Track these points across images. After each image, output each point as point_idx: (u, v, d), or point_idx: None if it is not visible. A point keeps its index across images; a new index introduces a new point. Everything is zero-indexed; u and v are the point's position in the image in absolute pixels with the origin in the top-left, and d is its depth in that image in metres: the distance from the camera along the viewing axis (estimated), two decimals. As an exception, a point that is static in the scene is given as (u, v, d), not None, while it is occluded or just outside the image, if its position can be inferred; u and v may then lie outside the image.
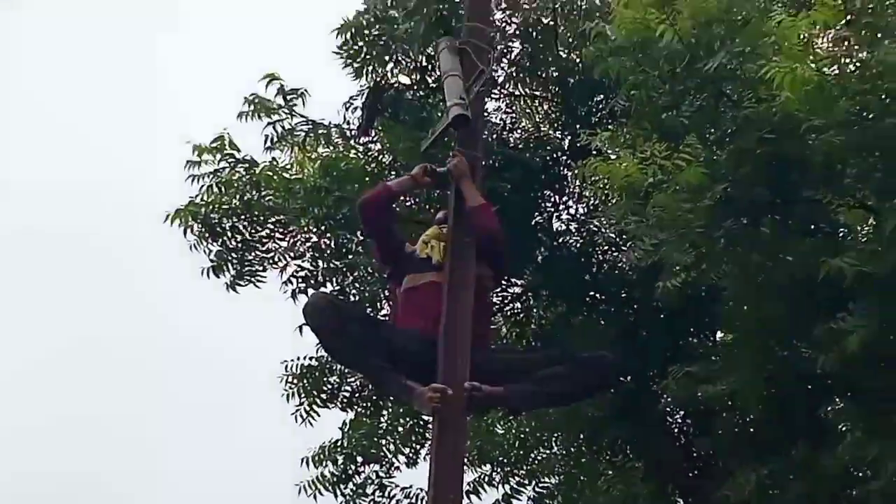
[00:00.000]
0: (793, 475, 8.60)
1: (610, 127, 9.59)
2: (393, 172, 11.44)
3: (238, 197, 11.18)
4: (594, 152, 8.71)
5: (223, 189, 11.18)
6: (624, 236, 9.79)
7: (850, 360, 7.20)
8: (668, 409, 10.62)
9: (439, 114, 10.76)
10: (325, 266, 11.58)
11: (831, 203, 8.01)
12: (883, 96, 7.15)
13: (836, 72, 7.34)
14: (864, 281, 6.90)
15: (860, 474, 8.36)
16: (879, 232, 7.19)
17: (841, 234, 8.63)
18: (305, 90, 11.33)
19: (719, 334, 11.10)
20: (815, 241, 8.28)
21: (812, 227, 8.47)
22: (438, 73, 11.09)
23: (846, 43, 7.28)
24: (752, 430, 9.63)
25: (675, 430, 11.52)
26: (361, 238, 11.46)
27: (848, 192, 7.89)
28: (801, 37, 7.30)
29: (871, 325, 6.97)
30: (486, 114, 9.60)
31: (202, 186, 11.16)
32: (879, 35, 7.15)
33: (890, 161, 7.37)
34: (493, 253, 6.20)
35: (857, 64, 7.37)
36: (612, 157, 8.13)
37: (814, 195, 7.96)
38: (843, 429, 8.43)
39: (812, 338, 7.83)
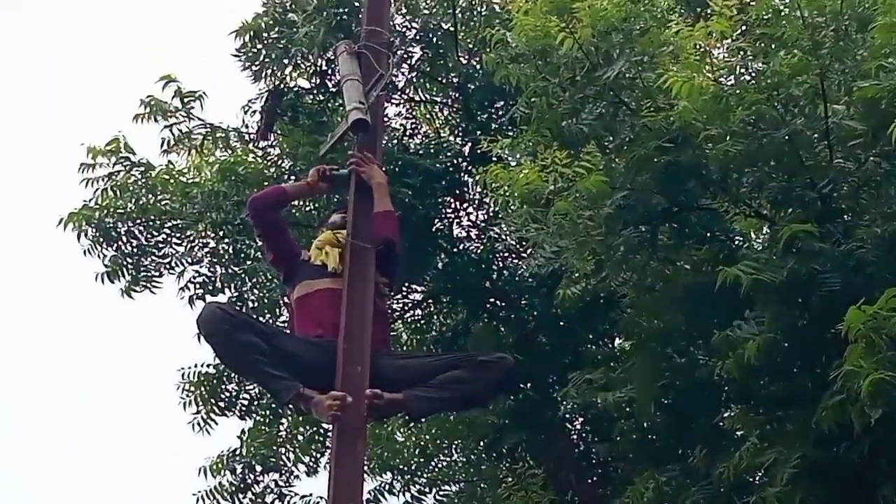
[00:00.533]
0: (691, 482, 8.64)
1: (510, 133, 9.59)
2: (292, 177, 11.33)
3: (133, 201, 11.00)
4: (495, 159, 8.68)
5: (118, 193, 10.98)
6: (524, 243, 9.79)
7: (747, 368, 7.23)
8: (567, 415, 10.63)
9: (339, 118, 10.69)
10: (224, 272, 11.43)
11: (727, 211, 8.08)
12: (778, 106, 7.21)
13: (733, 82, 7.40)
14: (760, 289, 6.94)
15: (756, 480, 8.43)
16: (774, 240, 7.25)
17: (737, 243, 8.71)
18: (203, 93, 11.18)
19: (618, 341, 11.18)
20: (711, 248, 8.34)
21: (708, 234, 8.53)
22: (338, 77, 11.08)
23: (742, 53, 7.34)
24: (650, 436, 9.67)
25: (575, 437, 11.56)
26: (260, 244, 11.34)
27: (743, 201, 7.96)
28: (698, 47, 7.34)
29: (768, 332, 7.01)
30: (385, 119, 9.54)
31: (96, 190, 10.95)
32: (774, 46, 7.21)
33: (784, 170, 7.44)
34: (389, 261, 6.14)
35: (753, 74, 7.43)
36: (513, 164, 8.10)
37: (710, 203, 8.01)
38: (740, 435, 8.50)
39: (709, 345, 7.87)
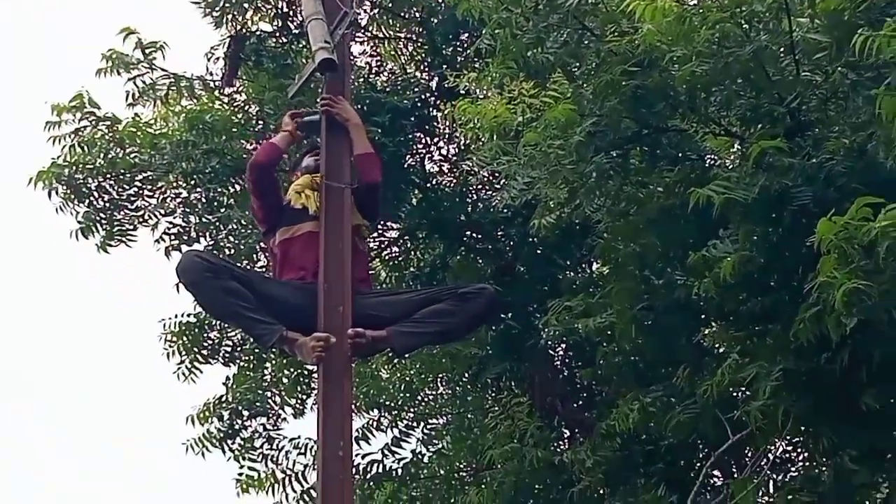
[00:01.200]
0: (675, 401, 8.73)
1: (477, 66, 9.55)
2: (260, 122, 11.30)
3: (102, 156, 10.95)
4: (462, 93, 8.65)
5: (86, 148, 10.93)
6: (497, 175, 9.78)
7: (724, 286, 7.28)
8: (549, 343, 10.70)
9: (304, 60, 10.65)
10: (198, 221, 11.42)
11: (697, 132, 8.08)
12: (742, 23, 7.20)
13: (696, 2, 7.37)
14: (733, 207, 6.97)
15: (739, 396, 8.52)
16: (745, 158, 7.27)
17: (709, 162, 8.72)
18: (164, 43, 11.09)
19: (596, 267, 11.22)
20: (683, 170, 8.36)
21: (680, 156, 8.54)
22: (301, 19, 11.00)
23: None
24: (633, 358, 9.75)
25: (558, 364, 11.65)
26: (233, 191, 11.32)
27: (713, 120, 7.96)
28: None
29: (742, 249, 7.05)
30: (351, 58, 9.48)
31: (64, 147, 10.89)
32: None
33: (752, 87, 7.44)
34: (371, 202, 6.15)
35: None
36: (481, 97, 8.07)
37: (680, 125, 8.02)
38: (721, 352, 8.58)
39: (686, 266, 7.92)
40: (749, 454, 9.15)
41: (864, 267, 6.00)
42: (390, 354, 11.14)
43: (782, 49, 7.40)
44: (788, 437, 9.12)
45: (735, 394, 8.44)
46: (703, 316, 8.78)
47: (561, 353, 11.63)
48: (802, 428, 8.33)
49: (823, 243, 5.99)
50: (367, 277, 6.29)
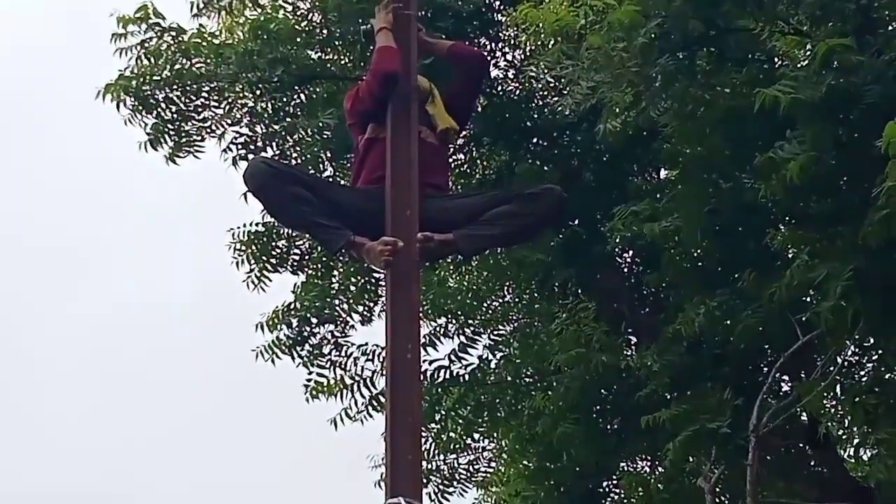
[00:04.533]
0: (742, 305, 8.70)
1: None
2: (324, 30, 11.27)
3: (168, 67, 10.98)
4: (524, -1, 8.56)
5: (152, 60, 10.96)
6: (562, 80, 9.70)
7: (791, 188, 7.20)
8: (616, 248, 10.67)
9: (368, -34, 10.55)
10: (264, 131, 11.46)
11: (766, 31, 7.95)
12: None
13: None
14: (800, 108, 6.87)
15: (807, 299, 8.47)
16: (813, 58, 7.14)
17: (779, 62, 8.59)
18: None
19: (663, 172, 11.15)
20: (751, 70, 8.24)
21: (749, 56, 8.42)
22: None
23: None
24: (700, 263, 9.72)
25: (625, 269, 11.64)
26: (298, 101, 11.35)
27: (781, 19, 7.82)
28: None
29: (809, 150, 6.96)
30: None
31: (130, 59, 10.95)
32: None
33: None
34: (473, 87, 6.09)
35: None
36: (543, 1, 7.98)
37: (747, 24, 7.89)
38: (790, 256, 8.52)
39: (754, 168, 7.84)
40: (818, 359, 9.11)
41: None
42: (458, 260, 11.25)
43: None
44: (858, 340, 9.07)
45: (803, 297, 8.40)
46: (771, 218, 8.70)
47: (627, 258, 11.59)
48: (873, 331, 8.28)
49: (892, 147, 5.90)
50: (445, 182, 6.26)
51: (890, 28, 7.27)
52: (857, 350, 9.56)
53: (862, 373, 9.61)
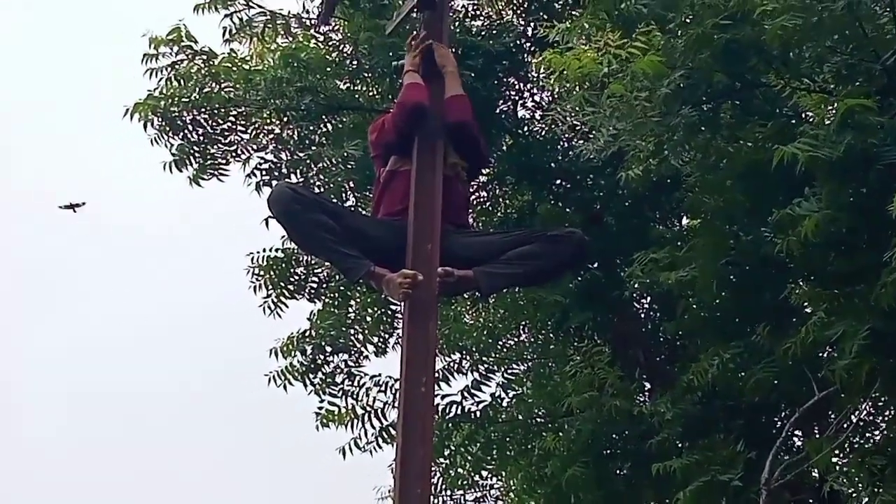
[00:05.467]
0: (756, 359, 8.67)
1: (574, 14, 9.46)
2: (354, 62, 11.34)
3: (197, 90, 11.07)
4: (553, 43, 8.60)
5: (182, 82, 11.05)
6: (586, 124, 9.73)
7: (808, 244, 7.18)
8: (634, 294, 10.65)
9: (400, 1, 10.62)
10: (289, 158, 11.53)
11: (790, 87, 7.95)
12: (837, -23, 7.05)
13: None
14: (818, 165, 6.86)
15: (824, 355, 8.43)
16: (835, 116, 7.14)
17: (805, 118, 8.58)
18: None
19: (685, 220, 11.13)
20: (775, 125, 8.23)
21: (774, 111, 8.41)
22: (400, -41, 10.97)
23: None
24: (717, 314, 9.68)
25: (642, 315, 11.61)
26: (324, 129, 11.41)
27: (807, 76, 7.82)
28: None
29: (826, 209, 6.94)
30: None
31: (160, 80, 11.03)
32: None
33: (846, 44, 7.29)
34: (466, 143, 6.13)
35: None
36: (571, 47, 8.00)
37: (772, 81, 7.89)
38: (806, 311, 8.48)
39: (772, 222, 7.82)
40: (831, 416, 9.06)
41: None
42: (475, 297, 11.24)
43: (878, 5, 7.23)
44: (873, 399, 9.01)
45: (818, 354, 8.36)
46: (788, 272, 8.67)
47: (645, 305, 11.57)
48: (887, 390, 8.22)
49: (906, 208, 5.89)
50: (465, 219, 6.27)
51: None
52: (871, 409, 9.49)
53: (876, 432, 9.54)
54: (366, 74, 11.43)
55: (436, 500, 12.03)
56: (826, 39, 7.27)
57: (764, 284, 8.82)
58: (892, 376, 7.70)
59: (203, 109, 11.12)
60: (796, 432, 9.88)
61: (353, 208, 10.90)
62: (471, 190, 11.75)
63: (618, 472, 11.03)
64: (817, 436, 9.14)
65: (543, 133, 11.55)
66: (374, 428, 11.65)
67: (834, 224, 7.02)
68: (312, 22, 11.43)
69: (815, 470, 9.48)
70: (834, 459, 9.15)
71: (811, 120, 8.54)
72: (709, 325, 9.65)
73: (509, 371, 12.27)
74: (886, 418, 9.54)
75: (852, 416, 8.96)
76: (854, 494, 10.28)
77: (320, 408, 11.66)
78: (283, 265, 11.69)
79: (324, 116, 11.35)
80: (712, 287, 8.69)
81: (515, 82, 11.39)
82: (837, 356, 7.67)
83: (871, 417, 9.63)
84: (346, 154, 10.84)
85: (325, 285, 11.87)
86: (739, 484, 8.88)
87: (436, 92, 6.01)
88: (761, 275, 8.79)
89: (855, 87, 7.45)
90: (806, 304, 8.57)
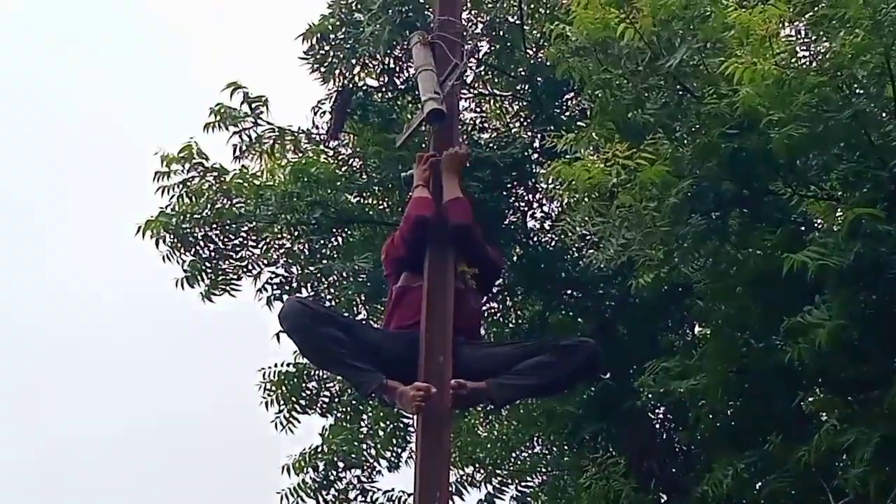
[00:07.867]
0: (770, 468, 8.58)
1: (581, 124, 9.56)
2: (364, 176, 11.44)
3: (209, 206, 11.15)
4: (560, 153, 8.68)
5: (193, 198, 11.14)
6: (595, 234, 9.76)
7: (820, 353, 7.16)
8: (647, 403, 10.58)
9: (408, 115, 10.78)
10: (300, 272, 11.56)
11: (797, 195, 7.99)
12: (841, 87, 7.12)
13: (795, 65, 7.31)
14: (827, 274, 6.86)
15: (838, 464, 8.34)
16: (843, 224, 7.16)
17: (814, 226, 8.60)
18: (266, 98, 11.30)
19: (697, 329, 11.10)
20: (785, 233, 8.26)
21: (782, 218, 8.44)
22: (406, 74, 11.16)
23: (802, 35, 7.25)
24: (731, 423, 9.60)
25: (656, 425, 11.51)
26: (335, 243, 11.46)
27: (813, 184, 7.87)
28: (758, 31, 7.26)
29: (837, 317, 6.93)
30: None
31: (172, 197, 11.12)
32: (835, 24, 7.11)
33: (852, 152, 7.34)
34: (471, 247, 6.15)
35: (814, 56, 7.35)
36: (579, 157, 8.07)
37: (779, 188, 7.93)
38: (818, 420, 8.41)
39: (783, 330, 7.80)
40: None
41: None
42: (488, 409, 11.19)
43: (884, 113, 7.29)
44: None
45: (832, 462, 8.27)
46: (800, 381, 8.62)
47: (659, 414, 11.48)
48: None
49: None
50: (477, 331, 6.26)
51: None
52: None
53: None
54: (375, 188, 11.53)
55: None
56: (832, 147, 7.31)
57: (776, 392, 8.75)
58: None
59: (214, 225, 11.20)
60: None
61: (364, 321, 10.92)
62: (483, 301, 11.84)
63: (637, 584, 10.86)
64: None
65: (553, 243, 11.59)
66: (387, 543, 11.53)
67: (845, 332, 6.99)
68: (322, 137, 11.55)
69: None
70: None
71: (820, 227, 8.57)
72: (722, 435, 9.56)
73: (523, 483, 12.16)
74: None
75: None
76: None
77: (334, 523, 11.56)
78: (295, 380, 11.66)
79: (334, 230, 11.42)
80: (722, 395, 8.63)
81: (524, 193, 11.46)
82: (850, 464, 7.59)
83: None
84: (356, 267, 10.88)
85: (337, 399, 11.83)
86: None
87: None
88: (773, 382, 8.73)
89: (862, 193, 7.48)
90: (819, 411, 8.52)
